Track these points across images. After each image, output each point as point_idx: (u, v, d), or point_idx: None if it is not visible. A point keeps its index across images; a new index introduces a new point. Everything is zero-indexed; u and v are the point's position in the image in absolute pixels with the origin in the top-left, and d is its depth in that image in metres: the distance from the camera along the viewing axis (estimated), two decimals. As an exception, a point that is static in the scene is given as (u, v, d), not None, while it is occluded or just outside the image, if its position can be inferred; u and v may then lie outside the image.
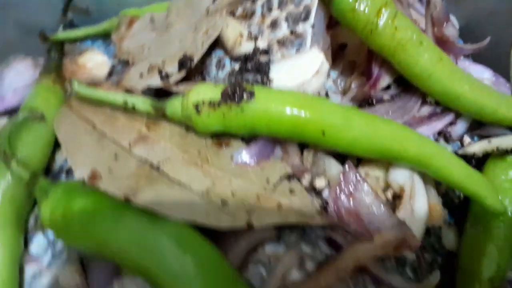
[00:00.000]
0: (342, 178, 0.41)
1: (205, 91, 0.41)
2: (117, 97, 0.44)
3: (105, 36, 0.63)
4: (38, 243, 0.50)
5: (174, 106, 0.42)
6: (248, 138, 0.44)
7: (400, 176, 0.44)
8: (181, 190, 0.39)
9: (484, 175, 0.48)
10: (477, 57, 0.57)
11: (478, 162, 0.50)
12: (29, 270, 0.49)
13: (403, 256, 0.43)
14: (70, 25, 0.64)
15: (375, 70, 0.47)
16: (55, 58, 0.57)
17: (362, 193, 0.40)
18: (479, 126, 0.51)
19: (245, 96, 0.39)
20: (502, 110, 0.47)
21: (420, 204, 0.43)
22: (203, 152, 0.42)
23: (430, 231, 0.47)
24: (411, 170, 0.44)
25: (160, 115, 0.44)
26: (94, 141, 0.44)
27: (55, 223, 0.41)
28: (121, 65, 0.58)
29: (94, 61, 0.58)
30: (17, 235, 0.48)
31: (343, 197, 0.40)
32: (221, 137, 0.44)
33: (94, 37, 0.64)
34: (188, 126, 0.44)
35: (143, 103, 0.44)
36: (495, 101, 0.47)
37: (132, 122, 0.45)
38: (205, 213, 0.37)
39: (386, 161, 0.45)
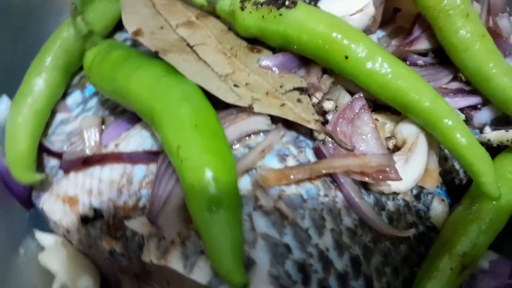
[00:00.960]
0: (349, 104, 0.43)
1: (255, -8, 0.45)
2: (180, -16, 0.50)
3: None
4: (75, 98, 0.57)
5: (225, 1, 0.47)
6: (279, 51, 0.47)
7: (406, 129, 0.46)
8: (204, 65, 0.43)
9: (495, 163, 0.48)
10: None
11: (492, 153, 0.50)
12: (59, 116, 0.56)
13: (384, 201, 0.44)
14: None
15: (416, 31, 0.49)
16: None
17: (362, 121, 0.42)
18: (506, 124, 0.51)
19: (287, 3, 0.43)
20: (530, 107, 0.47)
21: (416, 161, 0.44)
22: (235, 49, 0.46)
23: (421, 197, 0.48)
24: (419, 128, 0.46)
25: (211, 9, 0.49)
26: (148, 13, 0.49)
27: (92, 67, 0.47)
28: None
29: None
30: (62, 81, 0.55)
31: (343, 121, 0.43)
32: (255, 44, 0.48)
33: None
34: (230, 27, 0.48)
35: (200, -5, 0.49)
36: (526, 96, 0.47)
37: (186, 10, 0.50)
38: (217, 86, 0.41)
39: (398, 115, 0.47)
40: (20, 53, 0.56)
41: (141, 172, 0.42)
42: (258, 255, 0.35)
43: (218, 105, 0.41)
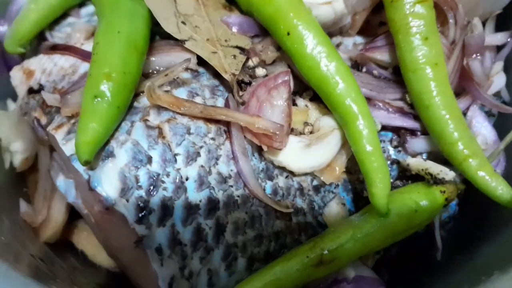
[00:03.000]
0: (274, 75, 0.46)
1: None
2: None
3: None
4: (88, 9, 0.64)
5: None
6: (246, 15, 0.51)
7: (325, 121, 0.48)
8: (170, 0, 0.49)
9: (404, 187, 0.48)
10: (500, 124, 0.55)
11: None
12: (70, 19, 0.64)
13: (275, 174, 0.47)
14: None
15: (380, 41, 0.51)
16: None
17: (278, 93, 0.45)
18: (444, 164, 0.49)
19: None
20: (457, 147, 0.46)
21: (319, 150, 0.46)
22: (210, 0, 0.51)
23: (321, 191, 0.49)
24: (337, 124, 0.47)
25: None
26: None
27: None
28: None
29: None
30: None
31: (264, 88, 0.46)
32: (231, 4, 0.52)
33: None
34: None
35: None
36: (458, 134, 0.46)
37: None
38: (165, 17, 0.46)
39: (328, 110, 0.48)
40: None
41: (85, 68, 0.49)
42: (120, 153, 0.39)
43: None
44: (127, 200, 0.38)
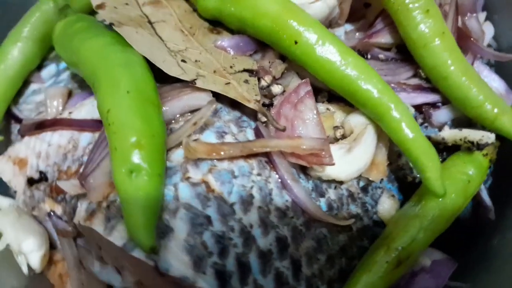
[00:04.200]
0: (294, 89, 0.43)
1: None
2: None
3: None
4: (49, 70, 0.59)
5: (189, -19, 0.48)
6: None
7: (355, 120, 0.45)
8: (157, 40, 0.44)
9: (447, 162, 0.48)
10: (500, 71, 0.55)
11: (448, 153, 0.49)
12: (33, 86, 0.58)
13: (324, 188, 0.44)
14: None
15: (379, 25, 0.49)
16: None
17: (305, 106, 0.42)
18: (468, 126, 0.49)
19: (243, -15, 0.44)
20: (486, 108, 0.46)
21: (360, 151, 0.44)
22: (194, 28, 0.47)
23: (369, 190, 0.48)
24: (368, 119, 0.45)
25: (177, -11, 0.50)
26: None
27: (58, 37, 0.49)
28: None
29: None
30: (37, 52, 0.57)
31: (288, 105, 0.43)
32: (218, 27, 0.48)
33: None
34: (195, 9, 0.49)
35: (168, -25, 0.50)
36: (483, 96, 0.46)
37: (154, -10, 0.51)
38: (163, 59, 0.42)
39: (351, 107, 0.46)
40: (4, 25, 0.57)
41: (86, 139, 0.43)
42: (177, 224, 0.35)
43: (169, 80, 0.42)
44: (204, 273, 0.34)
